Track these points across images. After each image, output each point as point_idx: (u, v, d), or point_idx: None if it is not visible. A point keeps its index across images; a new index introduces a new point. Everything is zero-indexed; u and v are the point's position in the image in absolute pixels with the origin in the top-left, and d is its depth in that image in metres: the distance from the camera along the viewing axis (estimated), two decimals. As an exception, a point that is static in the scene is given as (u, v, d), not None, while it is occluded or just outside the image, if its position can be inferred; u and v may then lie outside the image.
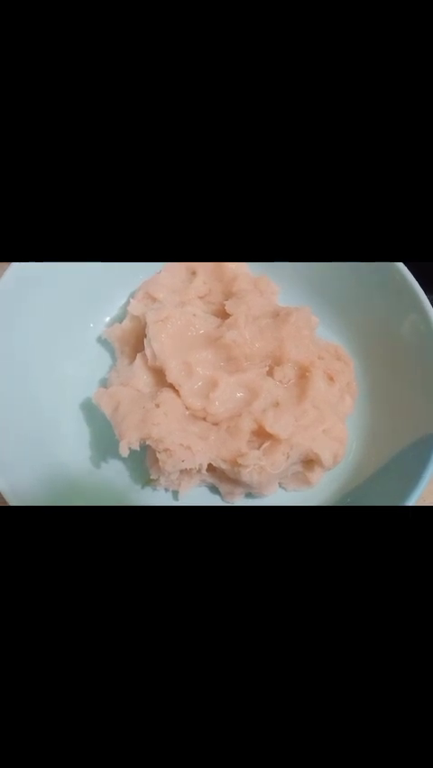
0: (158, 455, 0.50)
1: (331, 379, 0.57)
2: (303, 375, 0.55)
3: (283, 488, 0.57)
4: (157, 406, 0.52)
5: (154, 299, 0.59)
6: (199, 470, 0.52)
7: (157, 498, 0.56)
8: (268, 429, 0.51)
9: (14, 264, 0.55)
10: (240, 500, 0.55)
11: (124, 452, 0.50)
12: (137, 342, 0.58)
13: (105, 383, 0.59)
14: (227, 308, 0.57)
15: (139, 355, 0.56)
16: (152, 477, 0.54)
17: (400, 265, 0.56)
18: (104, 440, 0.56)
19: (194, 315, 0.58)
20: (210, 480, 0.55)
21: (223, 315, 0.58)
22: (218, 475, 0.54)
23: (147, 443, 0.50)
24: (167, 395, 0.53)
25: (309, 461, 0.55)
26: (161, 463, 0.50)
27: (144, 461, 0.55)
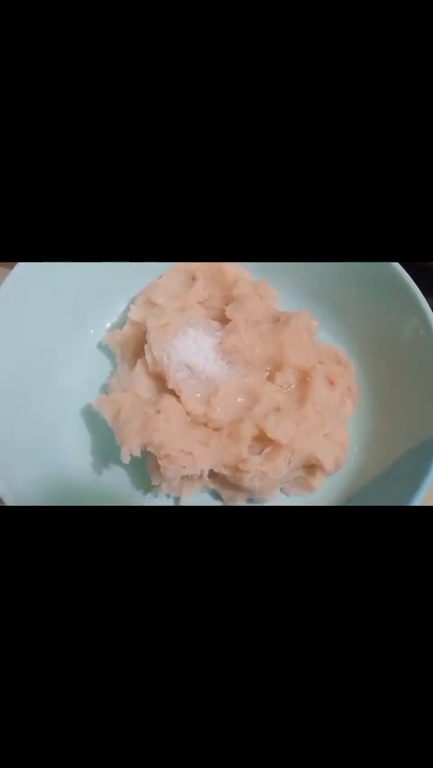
0: (159, 461, 0.50)
1: (332, 383, 0.57)
2: (304, 379, 0.55)
3: (285, 493, 0.57)
4: (158, 411, 0.52)
5: (154, 305, 0.59)
6: (201, 476, 0.52)
7: (159, 504, 0.56)
8: (269, 434, 0.51)
9: (13, 272, 0.55)
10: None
11: (126, 459, 0.50)
12: (138, 347, 0.58)
13: (105, 389, 0.59)
14: (227, 313, 0.57)
15: (140, 361, 0.56)
16: (153, 483, 0.54)
17: (399, 268, 0.56)
18: (105, 446, 0.56)
19: (194, 320, 0.58)
20: (212, 485, 0.55)
21: (223, 319, 0.58)
22: (220, 481, 0.54)
23: (148, 449, 0.50)
24: (168, 401, 0.53)
25: (311, 466, 0.55)
26: (162, 470, 0.50)
27: (146, 468, 0.55)
